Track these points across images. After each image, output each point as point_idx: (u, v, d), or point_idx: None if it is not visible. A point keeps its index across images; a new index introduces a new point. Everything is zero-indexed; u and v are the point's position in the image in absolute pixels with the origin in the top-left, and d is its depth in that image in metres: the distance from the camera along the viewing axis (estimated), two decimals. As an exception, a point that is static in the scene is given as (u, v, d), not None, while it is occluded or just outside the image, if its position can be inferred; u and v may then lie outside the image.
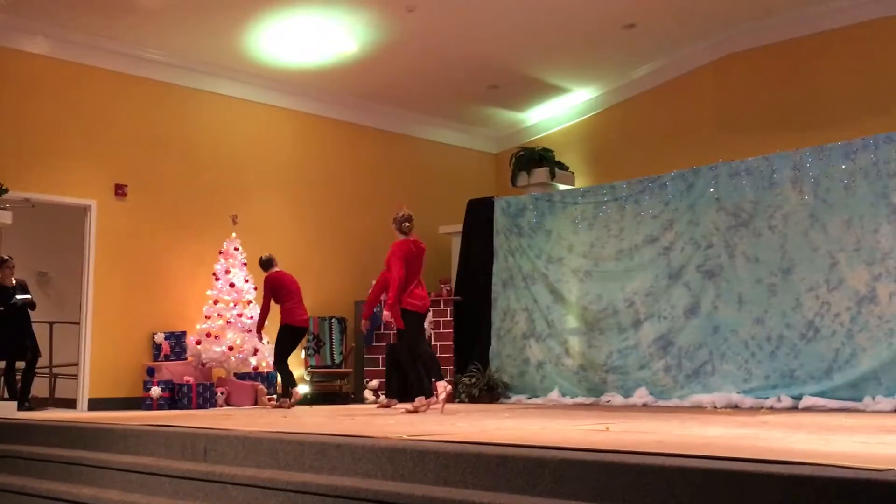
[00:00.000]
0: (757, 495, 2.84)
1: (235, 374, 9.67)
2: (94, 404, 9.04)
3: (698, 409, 8.03)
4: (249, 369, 9.68)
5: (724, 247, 8.80)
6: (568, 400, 9.39)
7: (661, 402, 8.71)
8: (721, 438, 4.29)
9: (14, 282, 8.81)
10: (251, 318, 9.59)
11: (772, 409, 7.72)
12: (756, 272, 8.54)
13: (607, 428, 5.06)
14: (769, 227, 8.52)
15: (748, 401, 8.08)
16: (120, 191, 9.56)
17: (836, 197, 8.14)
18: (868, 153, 7.99)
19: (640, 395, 8.85)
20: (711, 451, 3.47)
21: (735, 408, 7.98)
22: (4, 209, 8.28)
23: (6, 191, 8.33)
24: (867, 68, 9.36)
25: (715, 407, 8.11)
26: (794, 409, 7.73)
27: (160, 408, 8.91)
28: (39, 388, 9.88)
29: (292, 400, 8.82)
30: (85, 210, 9.38)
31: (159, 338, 9.54)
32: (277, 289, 9.11)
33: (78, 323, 9.38)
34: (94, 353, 9.23)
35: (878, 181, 7.90)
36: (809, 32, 9.76)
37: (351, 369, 10.82)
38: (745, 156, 8.92)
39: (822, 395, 7.76)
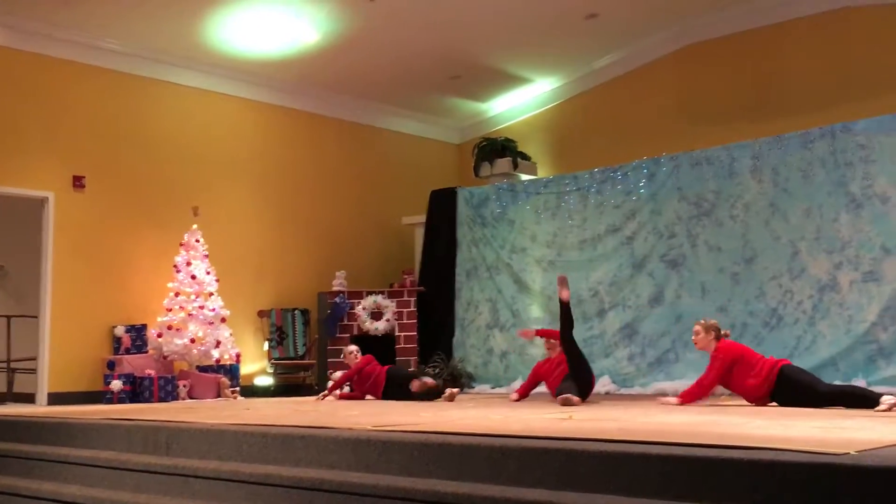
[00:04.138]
0: (718, 480, 2.88)
1: (198, 367, 9.58)
2: (54, 399, 8.91)
3: (661, 396, 8.09)
4: (212, 362, 9.60)
5: (687, 236, 8.88)
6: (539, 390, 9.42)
7: (624, 391, 8.78)
8: (683, 425, 4.34)
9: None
10: (213, 310, 9.51)
11: (732, 395, 7.80)
12: (719, 261, 8.63)
13: (570, 416, 5.09)
14: (731, 216, 8.61)
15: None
16: (78, 182, 9.42)
17: (795, 186, 8.25)
18: (825, 142, 8.10)
19: (604, 384, 8.91)
20: (673, 437, 3.50)
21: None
22: (-41, 201, 8.13)
23: (-40, 183, 8.18)
24: (826, 58, 9.48)
25: (675, 394, 8.17)
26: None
27: (121, 401, 8.81)
28: (-3, 383, 9.74)
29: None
30: (42, 202, 9.23)
31: (120, 331, 9.42)
32: None
33: (36, 317, 9.24)
34: (54, 347, 9.10)
35: (836, 170, 8.01)
36: (769, 23, 9.86)
37: (314, 361, 10.77)
38: (707, 145, 9.00)
39: (782, 381, 7.86)
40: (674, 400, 6.52)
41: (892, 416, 4.93)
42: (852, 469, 2.66)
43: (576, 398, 6.66)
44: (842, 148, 8.00)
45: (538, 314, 9.91)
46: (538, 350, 9.60)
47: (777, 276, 8.25)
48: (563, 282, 7.35)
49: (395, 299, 10.61)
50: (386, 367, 8.40)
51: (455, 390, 7.90)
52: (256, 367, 10.59)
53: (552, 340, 7.65)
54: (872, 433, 3.71)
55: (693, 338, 6.64)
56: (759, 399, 6.20)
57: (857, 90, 9.07)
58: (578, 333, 9.36)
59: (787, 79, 9.72)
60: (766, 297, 8.28)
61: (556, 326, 9.53)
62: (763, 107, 9.75)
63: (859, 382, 7.30)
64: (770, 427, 4.11)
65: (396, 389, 8.03)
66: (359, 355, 8.60)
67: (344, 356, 8.82)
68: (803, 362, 7.74)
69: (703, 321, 6.60)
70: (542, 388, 7.84)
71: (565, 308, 7.28)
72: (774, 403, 6.15)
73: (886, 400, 5.42)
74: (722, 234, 8.65)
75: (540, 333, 8.04)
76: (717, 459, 2.94)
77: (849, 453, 2.85)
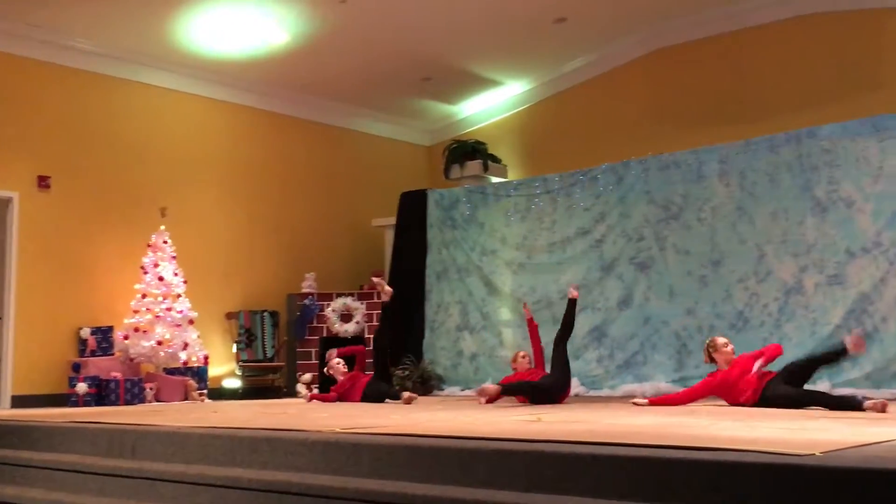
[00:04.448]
0: (685, 481, 2.89)
1: (165, 370, 9.49)
2: (18, 402, 8.78)
3: (629, 398, 8.14)
4: (179, 364, 9.51)
5: (655, 239, 8.94)
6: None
7: (593, 393, 8.81)
8: (650, 427, 4.36)
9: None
10: (181, 311, 9.43)
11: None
12: (686, 264, 8.70)
13: (539, 418, 5.10)
14: (698, 219, 8.69)
15: (678, 390, 8.22)
16: (43, 182, 9.30)
17: (762, 190, 8.34)
18: (791, 147, 8.20)
19: (573, 386, 8.91)
20: (641, 439, 3.52)
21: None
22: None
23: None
24: (792, 63, 9.59)
25: (644, 397, 8.22)
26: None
27: (87, 404, 8.70)
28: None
29: None
30: (6, 202, 9.11)
31: (85, 333, 9.31)
32: None
33: (0, 318, 9.11)
34: (18, 350, 8.97)
35: (802, 175, 8.11)
36: (737, 28, 9.96)
37: (283, 363, 10.72)
38: (675, 149, 9.08)
39: (748, 383, 7.94)
40: (643, 401, 6.58)
41: (878, 417, 4.99)
42: (817, 470, 2.69)
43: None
44: (807, 153, 8.10)
45: (508, 316, 9.93)
46: (508, 353, 9.62)
47: (744, 279, 8.33)
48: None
49: (365, 301, 10.58)
50: (366, 378, 8.30)
51: (413, 395, 7.81)
52: (224, 369, 10.51)
53: (521, 357, 7.86)
54: (836, 434, 3.75)
55: (725, 349, 6.57)
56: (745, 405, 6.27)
57: (823, 95, 9.19)
58: (547, 336, 9.42)
59: (755, 84, 9.82)
60: (733, 300, 8.35)
61: (525, 329, 9.59)
62: (731, 111, 9.84)
63: (823, 384, 7.39)
64: (736, 428, 4.14)
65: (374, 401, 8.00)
66: (344, 368, 8.52)
67: (329, 367, 8.62)
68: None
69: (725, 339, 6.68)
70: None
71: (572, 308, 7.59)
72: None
73: (870, 405, 5.47)
74: (690, 237, 8.72)
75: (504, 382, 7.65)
76: (684, 461, 2.96)
77: (813, 454, 2.88)
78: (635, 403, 6.57)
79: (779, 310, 8.08)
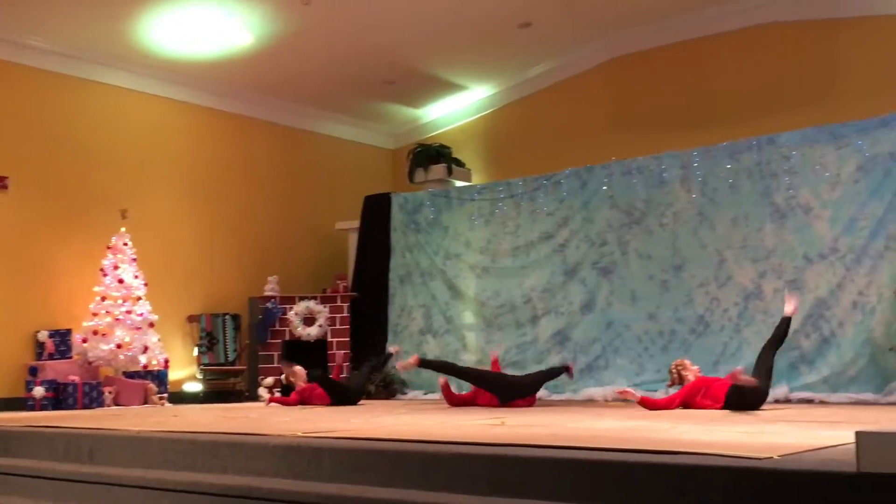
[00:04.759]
0: (646, 484, 2.92)
1: (124, 373, 9.38)
2: (-28, 406, 8.63)
3: (591, 402, 8.19)
4: (139, 367, 9.41)
5: (618, 244, 9.00)
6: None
7: (556, 396, 8.85)
8: (612, 431, 4.39)
9: None
10: (141, 314, 9.33)
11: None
12: (648, 269, 8.77)
13: (503, 422, 5.11)
14: (660, 224, 8.76)
15: (640, 394, 8.28)
16: (0, 183, 9.16)
17: (723, 196, 8.43)
18: (751, 154, 8.31)
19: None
20: (602, 442, 3.54)
21: (626, 401, 8.17)
22: None
23: None
24: (752, 71, 9.71)
25: (606, 400, 8.29)
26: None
27: (44, 408, 8.57)
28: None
29: None
30: (-38, 202, 8.95)
31: (43, 336, 9.17)
32: None
33: (-45, 321, 8.95)
34: (-27, 353, 8.82)
35: (761, 181, 8.22)
36: (698, 36, 10.06)
37: (245, 367, 10.64)
38: (638, 155, 9.15)
39: (708, 387, 8.03)
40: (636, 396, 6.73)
41: (813, 422, 5.06)
42: (774, 473, 2.72)
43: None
44: (767, 159, 8.21)
45: (471, 320, 9.94)
46: (471, 357, 9.64)
47: (704, 284, 8.42)
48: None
49: (328, 305, 10.54)
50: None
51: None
52: (185, 372, 10.41)
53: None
54: (793, 438, 3.80)
55: (693, 367, 6.86)
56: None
57: (782, 103, 9.31)
58: (511, 340, 9.48)
59: (716, 91, 9.93)
60: (694, 305, 8.44)
61: (490, 332, 9.64)
62: (693, 118, 9.94)
63: (782, 388, 7.51)
64: (696, 432, 4.18)
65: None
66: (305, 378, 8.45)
67: (293, 375, 8.49)
68: (728, 369, 7.92)
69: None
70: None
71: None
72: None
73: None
74: (652, 242, 8.79)
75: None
76: (645, 464, 2.98)
77: (771, 457, 2.92)
78: (623, 395, 6.86)
79: (738, 314, 8.18)
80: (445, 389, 7.90)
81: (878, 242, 7.60)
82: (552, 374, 8.12)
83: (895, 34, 8.54)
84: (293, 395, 8.30)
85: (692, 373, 6.77)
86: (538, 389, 7.95)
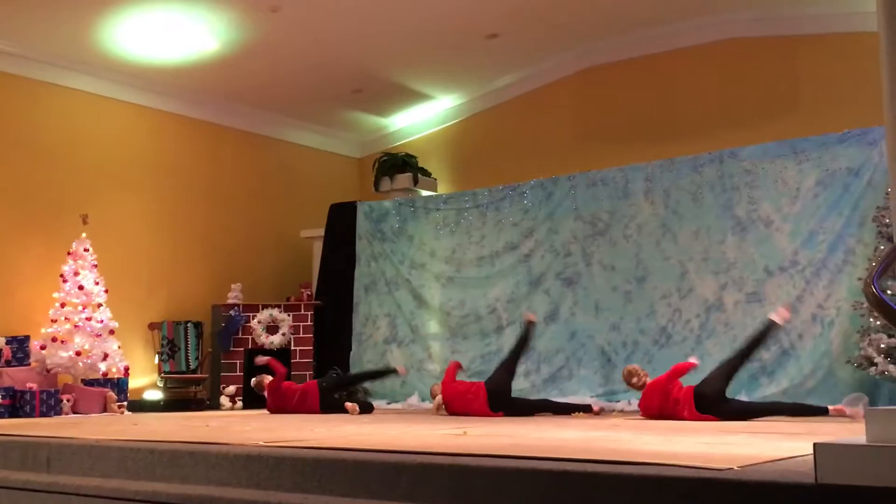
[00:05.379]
0: (607, 495, 2.93)
1: (83, 381, 9.24)
2: (-74, 413, 8.46)
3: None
4: (98, 375, 9.27)
5: (582, 255, 9.06)
6: (428, 405, 9.42)
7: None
8: (574, 441, 4.41)
9: None
10: (101, 321, 9.21)
11: (623, 413, 7.98)
12: (612, 280, 8.83)
13: (465, 432, 5.11)
14: (624, 236, 8.83)
15: (602, 404, 8.33)
16: (-41, 186, 9.02)
17: (685, 208, 8.52)
18: (714, 167, 8.41)
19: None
20: (565, 453, 3.55)
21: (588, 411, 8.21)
22: None
23: None
24: (715, 85, 9.83)
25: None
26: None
27: (0, 416, 8.42)
28: None
29: None
30: (-81, 206, 8.79)
31: (0, 342, 9.03)
32: None
33: None
34: (-73, 359, 8.65)
35: (723, 194, 8.32)
36: (664, 49, 10.16)
37: (207, 375, 10.53)
38: (603, 166, 9.22)
39: (670, 398, 8.09)
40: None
41: (774, 433, 5.12)
42: (735, 484, 2.75)
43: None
44: (729, 173, 8.32)
45: (436, 329, 9.94)
46: (436, 366, 9.64)
47: (667, 296, 8.49)
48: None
49: (292, 313, 10.48)
50: (314, 382, 8.56)
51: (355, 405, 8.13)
52: (146, 380, 10.29)
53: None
54: (754, 449, 3.84)
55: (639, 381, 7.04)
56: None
57: (745, 117, 9.43)
58: (476, 350, 9.48)
59: (680, 104, 10.04)
60: (657, 316, 8.51)
61: (455, 342, 9.64)
62: (657, 130, 10.04)
63: (742, 399, 7.57)
64: (658, 443, 4.21)
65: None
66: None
67: (262, 384, 8.60)
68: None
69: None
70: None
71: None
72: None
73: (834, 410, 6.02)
74: (616, 253, 8.86)
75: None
76: (607, 475, 2.99)
77: (732, 468, 2.95)
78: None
79: (700, 326, 8.26)
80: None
81: (836, 256, 7.72)
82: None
83: (855, 52, 8.67)
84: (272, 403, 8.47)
85: (641, 379, 7.03)
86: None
